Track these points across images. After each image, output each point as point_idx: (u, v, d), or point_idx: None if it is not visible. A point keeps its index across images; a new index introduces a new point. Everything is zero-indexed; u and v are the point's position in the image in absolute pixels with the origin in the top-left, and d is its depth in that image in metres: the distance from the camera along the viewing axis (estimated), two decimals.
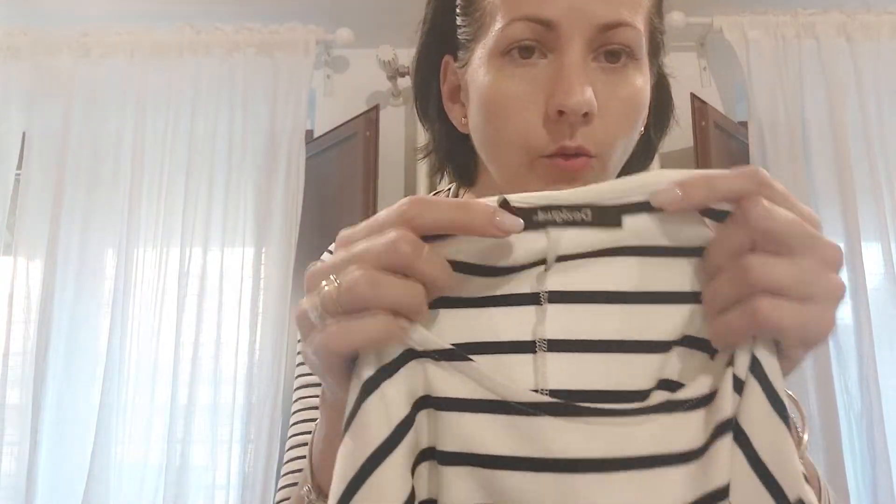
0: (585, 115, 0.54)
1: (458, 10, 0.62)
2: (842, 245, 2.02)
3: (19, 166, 2.17)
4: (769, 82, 2.14)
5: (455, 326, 0.42)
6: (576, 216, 0.42)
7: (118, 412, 1.98)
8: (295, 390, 0.72)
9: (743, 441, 0.40)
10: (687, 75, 2.31)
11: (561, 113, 0.54)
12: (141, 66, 2.18)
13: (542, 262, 0.42)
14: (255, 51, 2.19)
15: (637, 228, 0.42)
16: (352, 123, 2.17)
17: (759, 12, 2.18)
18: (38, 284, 2.07)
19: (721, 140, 2.14)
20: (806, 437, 0.49)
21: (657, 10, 0.61)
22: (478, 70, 0.59)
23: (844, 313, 2.00)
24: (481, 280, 0.43)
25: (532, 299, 0.43)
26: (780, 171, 2.06)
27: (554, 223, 0.42)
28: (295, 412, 0.72)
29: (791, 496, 0.39)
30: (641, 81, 0.58)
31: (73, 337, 2.05)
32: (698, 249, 0.42)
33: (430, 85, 0.67)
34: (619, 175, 0.59)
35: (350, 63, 2.37)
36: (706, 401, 0.41)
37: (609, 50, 0.56)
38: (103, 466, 1.94)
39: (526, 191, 0.42)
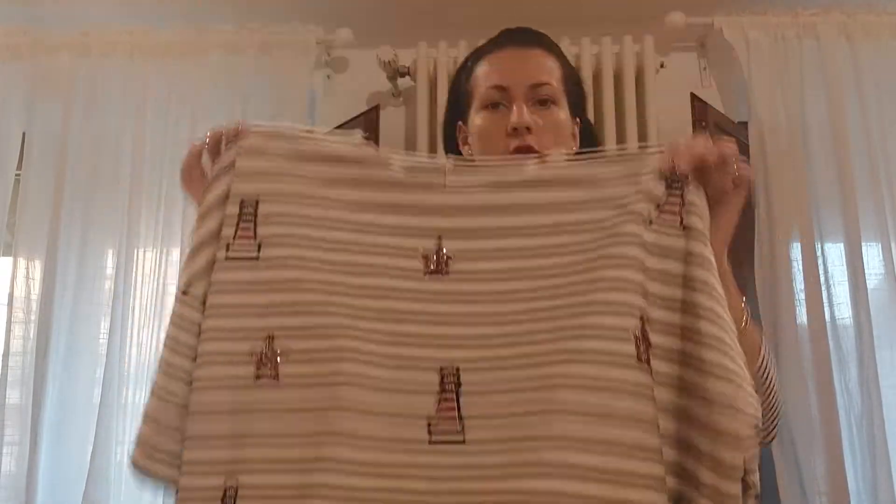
0: (528, 129, 0.97)
1: (460, 95, 1.10)
2: (841, 245, 2.03)
3: (19, 166, 2.16)
4: (769, 82, 2.14)
5: None
6: None
7: (118, 412, 1.98)
8: None
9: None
10: (687, 75, 2.31)
11: (514, 129, 0.97)
12: (141, 66, 2.18)
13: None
14: (255, 51, 2.19)
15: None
16: (352, 124, 2.16)
17: (759, 12, 2.18)
18: (38, 284, 2.07)
19: (721, 140, 2.13)
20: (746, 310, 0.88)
21: (572, 76, 1.07)
22: (474, 119, 1.06)
23: (844, 313, 2.00)
24: None
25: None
26: (780, 171, 2.06)
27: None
28: None
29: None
30: (563, 115, 1.02)
31: (73, 337, 2.05)
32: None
33: (452, 138, 1.13)
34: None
35: (350, 63, 2.37)
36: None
37: (539, 99, 1.00)
38: (103, 466, 1.94)
39: None
